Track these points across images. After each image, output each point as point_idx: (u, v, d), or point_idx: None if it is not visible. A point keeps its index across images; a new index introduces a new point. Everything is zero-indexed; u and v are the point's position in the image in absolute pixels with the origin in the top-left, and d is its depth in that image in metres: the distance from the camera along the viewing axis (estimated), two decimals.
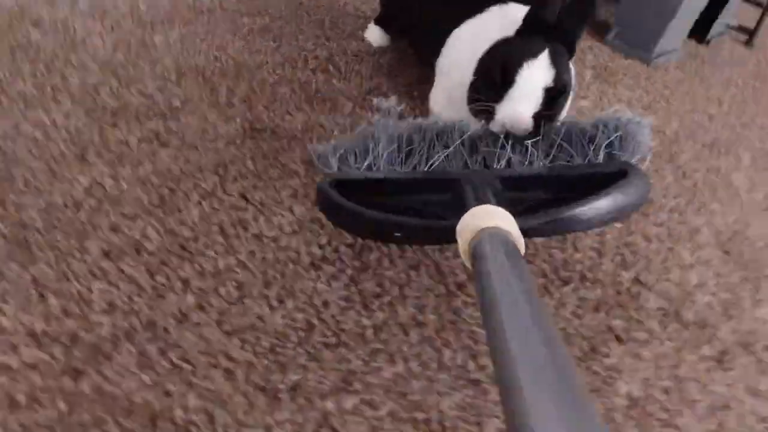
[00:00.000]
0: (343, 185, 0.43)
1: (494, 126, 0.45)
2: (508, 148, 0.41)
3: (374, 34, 0.87)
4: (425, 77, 0.66)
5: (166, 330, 0.42)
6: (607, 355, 0.41)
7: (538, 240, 0.48)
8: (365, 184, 0.43)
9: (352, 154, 0.44)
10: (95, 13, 0.82)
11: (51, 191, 0.50)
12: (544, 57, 0.45)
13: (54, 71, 0.67)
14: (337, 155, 0.45)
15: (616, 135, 0.40)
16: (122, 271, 0.45)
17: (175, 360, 0.40)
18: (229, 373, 0.40)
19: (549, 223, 0.37)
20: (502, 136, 0.42)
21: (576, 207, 0.36)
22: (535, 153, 0.41)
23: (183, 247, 0.47)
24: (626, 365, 0.41)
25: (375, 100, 0.49)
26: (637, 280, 0.48)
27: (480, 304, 0.30)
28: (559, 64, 0.46)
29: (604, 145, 0.40)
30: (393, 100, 0.49)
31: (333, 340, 0.42)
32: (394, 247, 0.47)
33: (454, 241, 0.35)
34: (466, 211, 0.35)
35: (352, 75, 0.75)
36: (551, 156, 0.41)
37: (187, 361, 0.40)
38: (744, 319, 0.47)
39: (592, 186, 0.38)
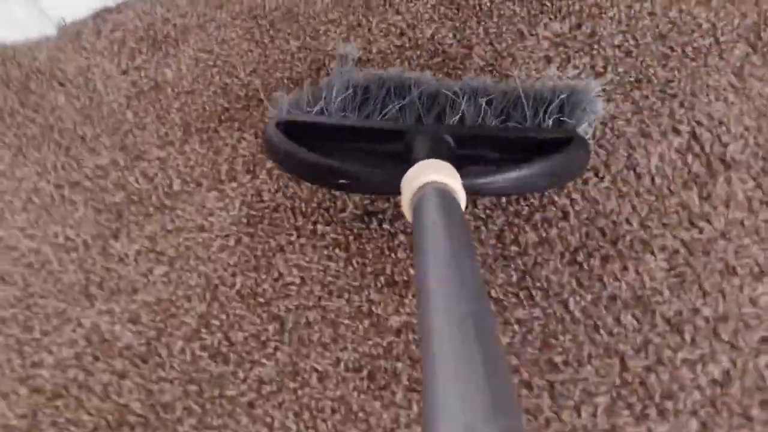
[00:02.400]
0: (290, 129, 0.42)
1: None
2: (463, 103, 0.42)
3: None
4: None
5: None
6: None
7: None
8: (314, 129, 0.43)
9: (304, 99, 0.44)
10: None
11: None
12: None
13: None
14: (288, 98, 0.44)
15: (563, 98, 0.41)
16: None
17: None
18: None
19: (492, 182, 0.38)
20: (458, 91, 0.43)
21: (520, 169, 0.38)
22: (488, 111, 0.41)
23: None
24: None
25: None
26: None
27: (414, 257, 0.31)
28: None
29: (554, 110, 0.41)
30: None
31: None
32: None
33: (399, 192, 0.36)
34: (414, 164, 0.36)
35: None
36: (503, 116, 0.42)
37: None
38: None
39: (539, 150, 0.39)
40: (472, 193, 0.38)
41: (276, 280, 0.42)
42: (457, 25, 0.54)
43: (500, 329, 0.37)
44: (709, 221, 0.39)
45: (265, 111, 0.51)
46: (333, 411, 0.36)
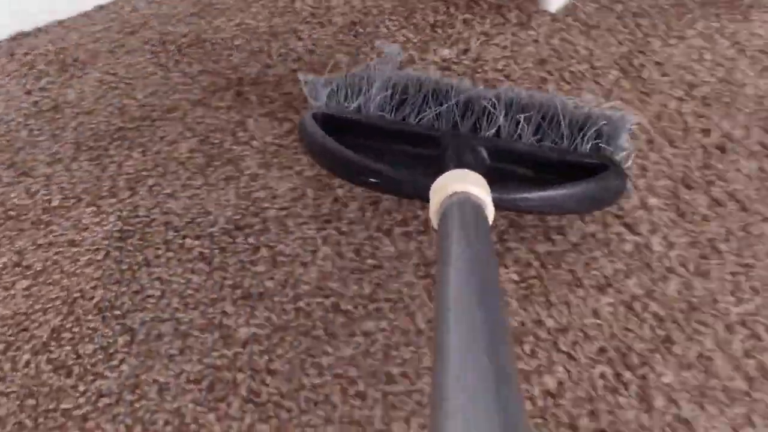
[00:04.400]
0: (328, 120, 0.43)
1: None
2: (501, 117, 0.42)
3: None
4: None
5: None
6: None
7: None
8: (351, 124, 0.43)
9: (342, 92, 0.44)
10: None
11: None
12: None
13: None
14: (328, 89, 0.45)
15: (603, 125, 0.41)
16: None
17: None
18: None
19: (523, 200, 0.38)
20: (495, 103, 0.42)
21: (552, 190, 0.38)
22: (525, 128, 0.41)
23: None
24: None
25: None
26: None
27: (436, 266, 0.30)
28: None
29: (593, 135, 0.41)
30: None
31: None
32: None
33: (428, 198, 0.35)
34: (445, 171, 0.35)
35: None
36: (540, 134, 0.42)
37: None
38: None
39: (572, 173, 0.39)
40: (502, 207, 0.37)
41: (136, 293, 0.41)
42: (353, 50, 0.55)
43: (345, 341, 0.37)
44: (563, 234, 0.39)
45: (156, 130, 0.52)
46: (166, 423, 0.35)
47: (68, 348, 0.39)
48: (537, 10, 0.56)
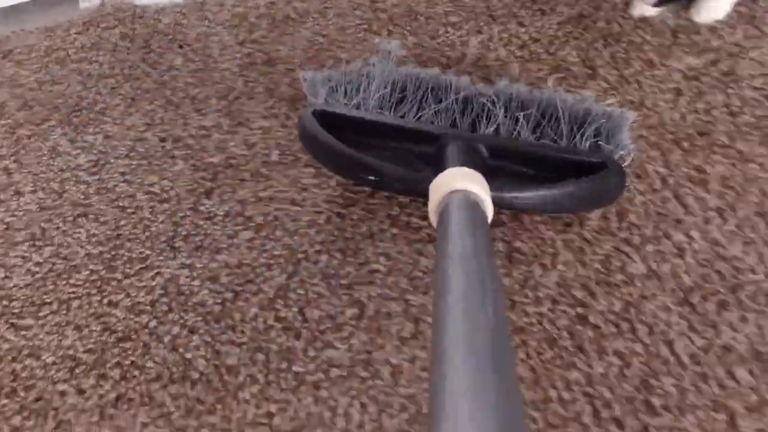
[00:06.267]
0: (327, 118, 0.43)
1: None
2: (500, 114, 0.41)
3: None
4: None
5: None
6: None
7: None
8: (350, 122, 0.43)
9: (342, 89, 0.44)
10: None
11: None
12: None
13: None
14: (327, 87, 0.45)
15: (602, 122, 0.40)
16: None
17: None
18: None
19: (522, 198, 0.38)
20: (495, 100, 0.42)
21: (551, 189, 0.38)
22: (525, 126, 0.41)
23: None
24: None
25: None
26: None
27: (435, 262, 0.31)
28: None
29: (591, 134, 0.40)
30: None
31: None
32: None
33: (427, 196, 0.36)
34: (445, 169, 0.36)
35: None
36: (539, 132, 0.41)
37: None
38: None
39: (572, 171, 0.39)
40: (501, 206, 0.38)
41: (362, 264, 0.40)
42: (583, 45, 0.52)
43: (595, 357, 0.34)
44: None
45: None
46: (402, 409, 0.34)
47: (295, 309, 0.39)
48: None
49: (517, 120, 0.41)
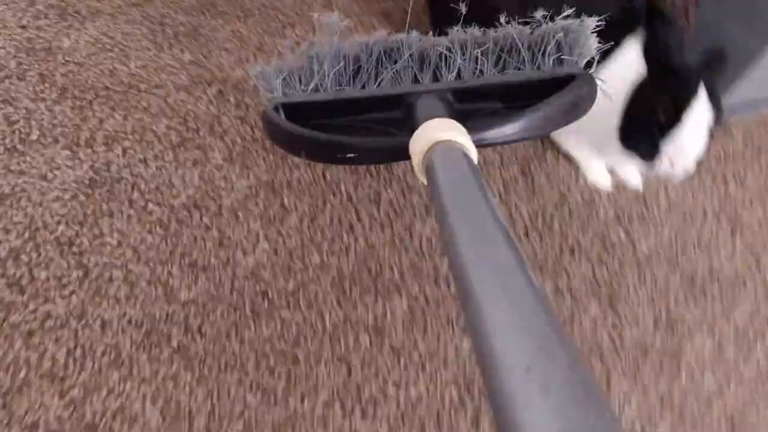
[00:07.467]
0: (290, 109, 0.42)
1: (654, 166, 0.48)
2: (458, 58, 0.41)
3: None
4: None
5: None
6: None
7: None
8: (314, 106, 0.42)
9: (296, 77, 0.43)
10: None
11: None
12: (703, 95, 0.47)
13: None
14: (281, 78, 0.43)
15: (561, 37, 0.40)
16: None
17: None
18: None
19: (502, 132, 0.37)
20: (449, 46, 0.41)
21: (525, 115, 0.37)
22: (485, 62, 0.41)
23: None
24: None
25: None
26: None
27: (436, 217, 0.30)
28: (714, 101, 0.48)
29: (552, 51, 0.40)
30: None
31: None
32: None
33: (409, 158, 0.35)
34: (419, 126, 0.35)
35: None
36: (501, 65, 0.41)
37: None
38: None
39: (543, 91, 0.38)
40: (483, 146, 0.37)
41: (96, 237, 0.48)
42: None
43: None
44: (449, 284, 0.51)
45: (140, 101, 0.58)
46: (103, 353, 0.42)
47: (24, 269, 0.45)
48: None
49: (476, 59, 0.41)
